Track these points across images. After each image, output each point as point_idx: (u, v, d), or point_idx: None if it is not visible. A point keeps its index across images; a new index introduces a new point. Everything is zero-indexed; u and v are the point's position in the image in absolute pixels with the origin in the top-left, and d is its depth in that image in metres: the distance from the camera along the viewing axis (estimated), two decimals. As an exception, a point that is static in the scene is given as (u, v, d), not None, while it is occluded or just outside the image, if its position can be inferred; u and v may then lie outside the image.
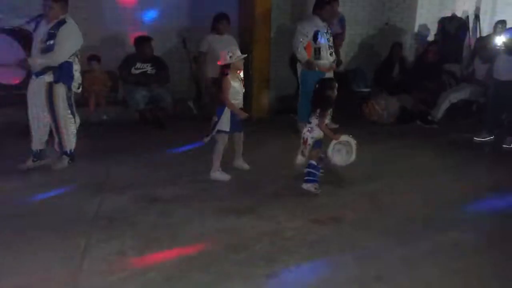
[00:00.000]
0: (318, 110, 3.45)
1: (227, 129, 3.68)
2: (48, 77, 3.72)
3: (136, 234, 2.76)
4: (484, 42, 6.18)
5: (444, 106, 5.80)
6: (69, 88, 3.81)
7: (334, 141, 3.51)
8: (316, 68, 4.84)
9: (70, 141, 3.92)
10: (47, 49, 3.66)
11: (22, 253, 2.51)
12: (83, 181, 3.64)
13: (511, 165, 4.32)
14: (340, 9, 7.23)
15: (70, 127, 3.88)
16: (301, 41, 4.79)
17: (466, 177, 3.98)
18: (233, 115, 3.68)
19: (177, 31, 6.23)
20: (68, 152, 3.94)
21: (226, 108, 3.65)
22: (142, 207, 3.16)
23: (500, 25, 6.51)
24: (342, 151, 3.54)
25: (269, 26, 5.83)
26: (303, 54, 4.80)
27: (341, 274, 2.37)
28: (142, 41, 5.52)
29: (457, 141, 5.10)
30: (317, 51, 4.82)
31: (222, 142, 3.72)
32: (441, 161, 4.43)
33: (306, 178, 3.50)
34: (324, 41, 4.84)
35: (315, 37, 4.78)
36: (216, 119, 3.66)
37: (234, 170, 3.92)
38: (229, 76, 3.63)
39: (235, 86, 3.66)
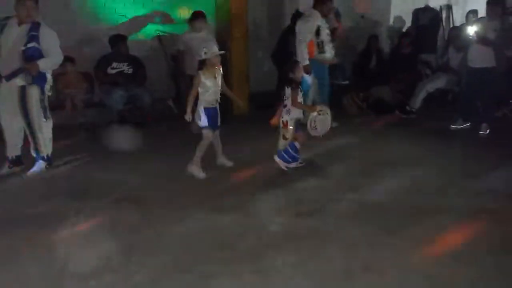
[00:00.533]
0: (288, 92, 3.68)
1: (205, 124, 3.69)
2: (20, 81, 3.61)
3: (119, 237, 2.71)
4: (457, 31, 6.30)
5: (421, 95, 5.90)
6: (42, 91, 3.70)
7: (313, 114, 3.74)
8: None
9: (46, 146, 3.82)
10: (31, 53, 3.54)
11: (0, 262, 2.43)
12: (62, 186, 3.55)
13: (487, 151, 4.43)
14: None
15: (46, 131, 3.78)
16: (305, 41, 4.87)
17: (446, 164, 4.06)
18: (208, 111, 3.69)
19: (153, 29, 6.14)
20: (45, 157, 3.83)
21: (198, 103, 3.69)
22: (124, 210, 3.11)
23: (472, 14, 6.65)
24: (318, 125, 3.77)
25: (245, 21, 5.82)
26: (305, 56, 4.87)
27: (328, 267, 2.38)
28: (117, 40, 5.41)
29: (435, 130, 5.20)
30: (321, 45, 4.96)
31: (205, 138, 3.73)
32: (420, 149, 4.50)
33: (282, 154, 3.77)
34: (325, 35, 4.97)
35: (317, 32, 4.90)
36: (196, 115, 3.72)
37: (217, 168, 3.90)
38: (201, 72, 3.64)
39: (206, 82, 3.64)
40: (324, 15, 5.00)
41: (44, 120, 3.74)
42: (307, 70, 4.82)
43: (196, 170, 3.71)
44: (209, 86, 3.66)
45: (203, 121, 3.69)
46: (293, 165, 3.83)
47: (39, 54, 3.58)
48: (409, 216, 2.97)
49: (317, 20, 4.92)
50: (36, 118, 3.69)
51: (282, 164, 3.81)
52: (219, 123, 3.82)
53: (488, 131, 4.96)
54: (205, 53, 3.62)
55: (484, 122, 5.01)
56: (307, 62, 4.84)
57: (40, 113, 3.70)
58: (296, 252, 2.52)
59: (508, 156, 4.21)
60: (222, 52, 3.78)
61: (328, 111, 3.84)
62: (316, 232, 2.77)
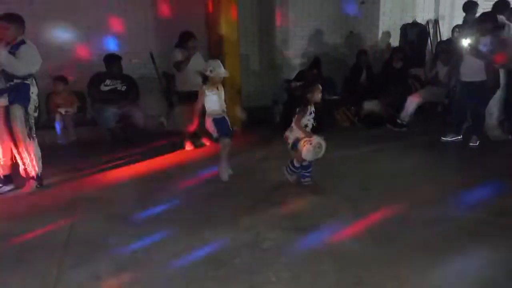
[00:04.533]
0: (297, 110, 3.64)
1: (217, 134, 3.93)
2: (4, 101, 3.58)
3: (111, 257, 2.67)
4: (444, 45, 6.43)
5: (411, 109, 5.97)
6: (26, 111, 3.65)
7: (307, 141, 3.54)
8: None
9: (35, 165, 3.78)
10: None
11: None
12: (53, 205, 3.51)
13: (477, 163, 4.47)
14: (306, 19, 7.46)
15: (32, 150, 3.74)
16: None
17: (437, 176, 4.09)
18: (217, 121, 3.92)
19: (146, 49, 6.19)
20: (35, 176, 3.79)
21: (206, 116, 3.93)
22: (116, 229, 3.07)
23: (458, 29, 6.78)
24: (305, 154, 3.57)
25: (237, 38, 5.88)
26: None
27: (321, 282, 2.37)
28: (112, 59, 5.46)
29: (426, 142, 5.24)
30: None
31: (222, 145, 3.97)
32: (412, 162, 4.53)
33: (300, 174, 3.76)
34: None
35: None
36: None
37: (211, 182, 3.90)
38: (205, 87, 3.91)
39: (211, 95, 3.90)
40: None
41: (29, 140, 3.70)
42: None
43: (221, 172, 3.98)
44: (214, 98, 3.90)
45: (215, 131, 3.92)
46: (307, 179, 3.77)
47: None
48: (403, 228, 2.97)
49: None
50: (21, 138, 3.65)
51: (306, 182, 3.76)
52: (231, 130, 4.02)
53: (478, 142, 5.01)
54: (211, 71, 3.85)
55: (474, 134, 5.07)
56: None
57: (25, 133, 3.66)
58: (290, 268, 2.50)
59: (498, 167, 4.26)
60: (227, 75, 4.01)
61: (324, 146, 3.56)
62: (310, 247, 2.75)
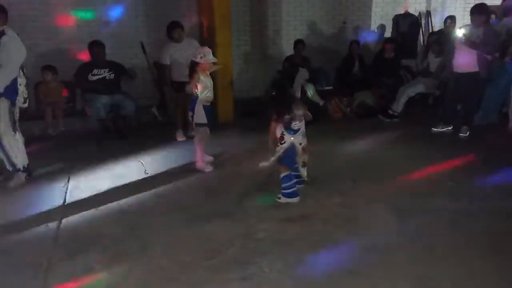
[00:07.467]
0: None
1: (204, 121, 3.88)
2: None
3: (103, 247, 2.65)
4: (436, 37, 6.44)
5: (403, 100, 5.98)
6: (12, 103, 3.57)
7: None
8: None
9: (20, 157, 3.71)
10: None
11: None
12: (43, 196, 3.47)
13: (467, 153, 4.51)
14: (298, 9, 7.41)
15: (16, 143, 3.67)
16: None
17: (428, 167, 4.12)
18: (206, 108, 3.87)
19: (136, 37, 6.11)
20: (22, 168, 3.74)
21: (198, 101, 3.84)
22: (108, 219, 3.05)
23: (450, 20, 6.80)
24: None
25: (229, 29, 5.82)
26: None
27: (314, 271, 2.38)
28: (94, 46, 5.30)
29: (417, 133, 5.27)
30: None
31: (201, 135, 3.92)
32: (404, 153, 4.56)
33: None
34: None
35: None
36: (191, 114, 3.88)
37: (201, 174, 3.89)
38: (199, 72, 3.85)
39: (206, 81, 3.87)
40: None
41: (13, 133, 3.63)
42: None
43: (203, 165, 3.98)
44: (206, 83, 3.86)
45: (202, 118, 3.86)
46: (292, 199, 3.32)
47: None
48: (392, 218, 3.00)
49: None
50: (5, 131, 3.58)
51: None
52: (211, 121, 3.96)
53: (468, 133, 5.06)
54: (201, 57, 3.82)
55: (464, 125, 5.11)
56: None
57: (9, 126, 3.58)
58: (283, 258, 2.51)
59: (488, 157, 4.30)
60: (215, 60, 3.95)
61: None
62: (302, 237, 2.76)
